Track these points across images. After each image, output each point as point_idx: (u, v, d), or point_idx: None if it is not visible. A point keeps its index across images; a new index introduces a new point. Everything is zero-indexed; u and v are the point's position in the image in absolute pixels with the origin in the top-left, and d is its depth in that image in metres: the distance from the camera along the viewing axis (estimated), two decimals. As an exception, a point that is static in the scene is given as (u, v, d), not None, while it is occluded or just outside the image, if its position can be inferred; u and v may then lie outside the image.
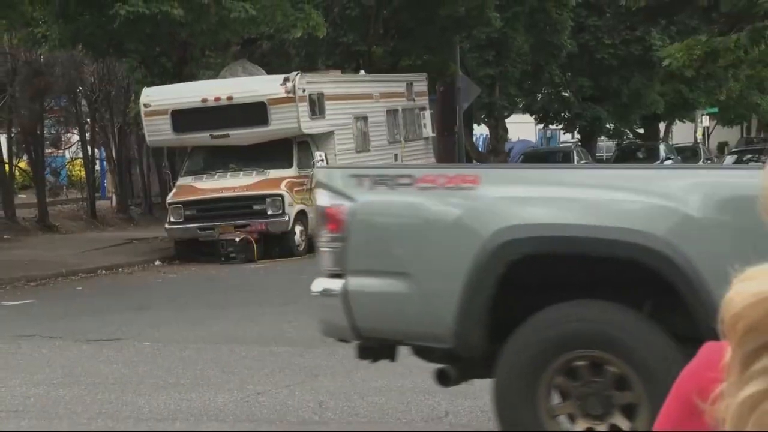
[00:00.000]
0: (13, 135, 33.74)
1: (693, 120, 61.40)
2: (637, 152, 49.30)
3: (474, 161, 44.13)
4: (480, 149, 48.22)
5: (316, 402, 11.13)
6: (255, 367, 12.57)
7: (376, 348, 8.71)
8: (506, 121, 48.08)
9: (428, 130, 33.48)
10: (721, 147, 58.80)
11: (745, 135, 55.11)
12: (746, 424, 1.30)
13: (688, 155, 49.76)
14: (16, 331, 15.80)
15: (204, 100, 26.45)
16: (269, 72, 29.44)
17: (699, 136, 60.90)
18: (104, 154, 37.58)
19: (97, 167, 37.90)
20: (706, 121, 60.69)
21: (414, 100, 32.39)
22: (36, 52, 32.23)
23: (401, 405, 10.45)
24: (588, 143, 49.17)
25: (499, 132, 46.66)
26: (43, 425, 10.15)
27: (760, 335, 1.30)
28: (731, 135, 62.40)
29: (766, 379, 1.30)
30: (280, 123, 26.40)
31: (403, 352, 8.57)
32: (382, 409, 11.03)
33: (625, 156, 48.58)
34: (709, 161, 45.56)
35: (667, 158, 46.92)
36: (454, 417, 10.17)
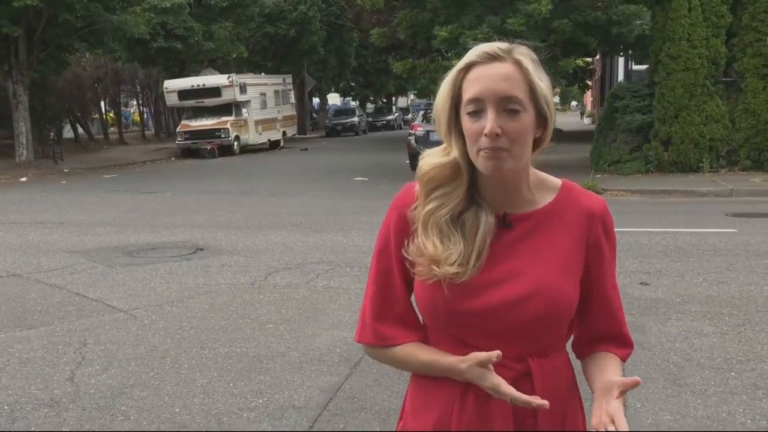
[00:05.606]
0: (106, 101, 35.00)
1: (407, 96, 66.27)
2: (383, 110, 51.18)
3: (313, 114, 46.27)
4: (316, 109, 48.97)
5: (243, 217, 10.73)
6: (217, 203, 12.69)
7: None
8: (327, 96, 50.85)
9: (292, 100, 34.33)
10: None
11: (426, 101, 50.29)
12: (428, 224, 1.39)
13: (402, 110, 51.72)
14: (109, 188, 15.85)
15: (192, 86, 27.30)
16: (221, 73, 30.17)
17: (409, 102, 63.43)
18: (148, 110, 38.31)
19: (145, 116, 38.52)
20: (412, 96, 65.04)
21: (286, 86, 33.22)
22: (116, 63, 32.88)
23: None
24: (362, 105, 51.89)
25: (324, 100, 49.52)
26: (120, 229, 9.85)
27: (432, 182, 1.39)
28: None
29: (436, 203, 1.39)
30: (226, 96, 27.32)
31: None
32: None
33: (376, 111, 50.56)
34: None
35: (396, 113, 49.45)
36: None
